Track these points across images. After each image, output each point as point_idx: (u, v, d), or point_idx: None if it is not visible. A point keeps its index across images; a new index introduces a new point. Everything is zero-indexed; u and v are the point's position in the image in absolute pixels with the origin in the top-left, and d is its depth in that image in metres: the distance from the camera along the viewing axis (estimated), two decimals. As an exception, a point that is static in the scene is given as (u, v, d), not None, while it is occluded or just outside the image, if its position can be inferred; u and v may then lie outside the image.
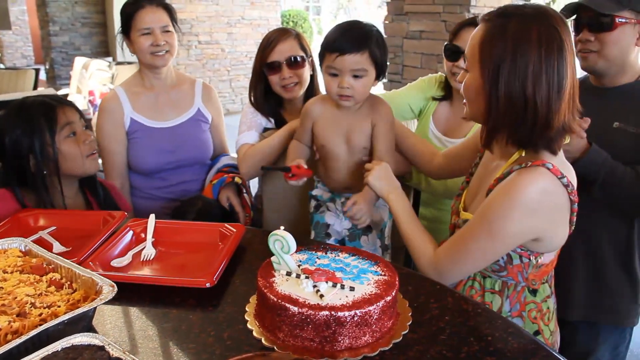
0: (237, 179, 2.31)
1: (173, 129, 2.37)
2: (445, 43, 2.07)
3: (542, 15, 1.31)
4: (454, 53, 2.02)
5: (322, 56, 1.73)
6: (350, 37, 1.66)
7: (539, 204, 1.33)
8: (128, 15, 2.26)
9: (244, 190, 2.37)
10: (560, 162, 1.39)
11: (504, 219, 1.34)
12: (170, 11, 2.31)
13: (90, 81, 6.55)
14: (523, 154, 1.39)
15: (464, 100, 1.46)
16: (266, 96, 2.24)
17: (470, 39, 1.40)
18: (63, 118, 1.85)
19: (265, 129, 2.22)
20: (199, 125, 2.43)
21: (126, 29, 2.29)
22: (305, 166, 1.79)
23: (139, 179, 2.39)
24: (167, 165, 2.35)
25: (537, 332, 1.50)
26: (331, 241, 1.89)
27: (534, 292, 1.50)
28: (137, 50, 2.28)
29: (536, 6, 1.36)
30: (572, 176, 1.38)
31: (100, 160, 2.03)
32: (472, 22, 1.99)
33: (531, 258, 1.43)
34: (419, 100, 2.27)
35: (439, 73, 2.30)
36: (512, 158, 1.41)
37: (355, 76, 1.68)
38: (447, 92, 2.18)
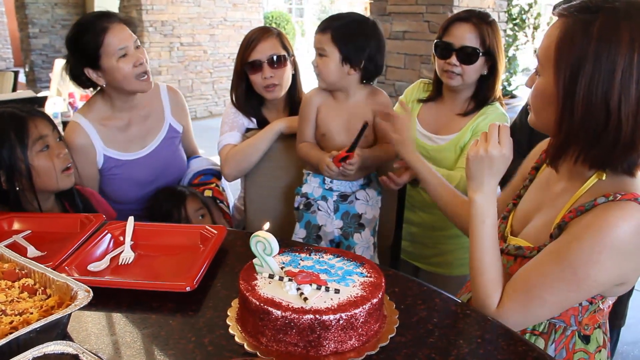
0: (206, 192, 2.25)
1: (148, 157, 2.22)
2: (436, 40, 2.04)
3: (638, 11, 1.09)
4: (444, 50, 1.99)
5: None
6: (325, 19, 1.80)
7: (633, 246, 1.13)
8: (95, 43, 1.99)
9: (218, 200, 2.31)
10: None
11: (592, 264, 1.14)
12: (132, 25, 2.10)
13: (70, 83, 6.45)
14: (603, 177, 1.20)
15: (529, 107, 1.28)
16: (248, 96, 2.21)
17: (545, 37, 1.19)
18: (35, 131, 1.75)
19: (248, 129, 2.18)
20: (172, 142, 2.31)
21: (93, 60, 2.02)
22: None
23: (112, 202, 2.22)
24: (147, 194, 2.23)
25: None
26: (322, 244, 1.86)
27: (585, 338, 1.32)
28: (119, 77, 2.02)
29: (630, 0, 1.13)
30: None
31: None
32: (462, 17, 1.97)
33: (594, 302, 1.26)
34: None
35: (421, 79, 2.28)
36: (588, 182, 1.22)
37: (320, 55, 1.80)
38: (436, 92, 2.15)
